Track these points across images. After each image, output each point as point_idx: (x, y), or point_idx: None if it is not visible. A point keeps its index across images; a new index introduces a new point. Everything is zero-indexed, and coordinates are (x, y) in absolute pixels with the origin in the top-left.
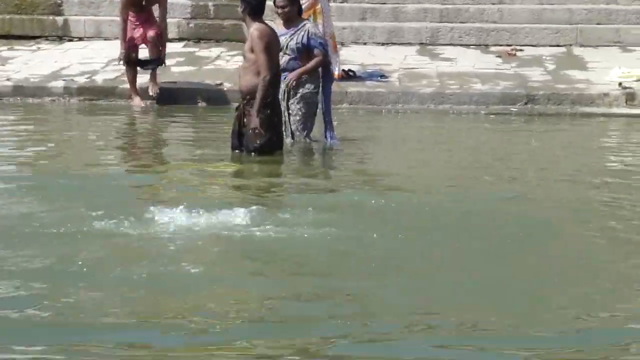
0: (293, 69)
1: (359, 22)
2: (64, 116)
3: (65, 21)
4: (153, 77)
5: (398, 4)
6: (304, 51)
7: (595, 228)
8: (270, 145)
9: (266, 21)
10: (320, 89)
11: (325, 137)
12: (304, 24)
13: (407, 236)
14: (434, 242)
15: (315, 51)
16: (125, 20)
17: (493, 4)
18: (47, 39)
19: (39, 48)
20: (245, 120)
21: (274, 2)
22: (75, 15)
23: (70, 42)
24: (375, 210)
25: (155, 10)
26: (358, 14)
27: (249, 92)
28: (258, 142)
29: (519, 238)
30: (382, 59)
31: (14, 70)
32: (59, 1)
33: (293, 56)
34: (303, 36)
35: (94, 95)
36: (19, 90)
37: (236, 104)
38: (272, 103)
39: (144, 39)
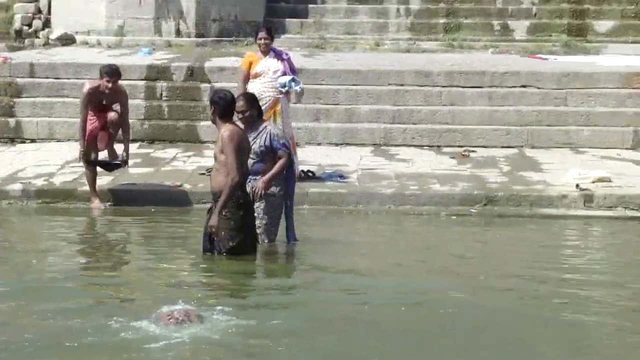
0: (257, 172)
1: (313, 122)
2: (22, 219)
3: (18, 123)
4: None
5: (351, 105)
6: (268, 153)
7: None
8: (242, 246)
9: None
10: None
11: (287, 237)
12: (265, 126)
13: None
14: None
15: (279, 152)
16: (84, 119)
17: (444, 105)
18: None
19: None
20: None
21: (235, 108)
22: (28, 116)
23: (23, 144)
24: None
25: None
26: (312, 114)
27: (220, 194)
28: (230, 243)
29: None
30: (339, 160)
31: None
32: (12, 102)
33: (257, 159)
34: (265, 139)
35: (52, 197)
36: None
37: (200, 205)
38: (245, 204)
39: (104, 124)
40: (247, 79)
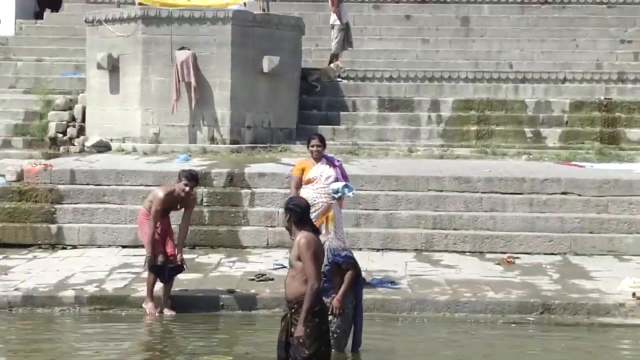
0: (328, 290)
1: (354, 227)
2: (76, 326)
3: (59, 229)
4: (167, 294)
5: (391, 210)
6: (333, 271)
7: None
8: (318, 355)
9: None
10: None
11: (354, 341)
12: (323, 242)
13: None
14: None
15: (344, 266)
16: (155, 225)
17: (485, 211)
18: (40, 247)
19: (34, 257)
20: (292, 330)
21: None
22: (69, 223)
23: (65, 250)
24: None
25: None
26: (352, 219)
27: (297, 301)
28: (306, 352)
29: None
30: (384, 265)
31: (19, 280)
32: (53, 209)
33: (324, 279)
34: (328, 256)
35: (105, 304)
36: (29, 300)
37: (254, 312)
38: (320, 312)
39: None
40: (299, 185)
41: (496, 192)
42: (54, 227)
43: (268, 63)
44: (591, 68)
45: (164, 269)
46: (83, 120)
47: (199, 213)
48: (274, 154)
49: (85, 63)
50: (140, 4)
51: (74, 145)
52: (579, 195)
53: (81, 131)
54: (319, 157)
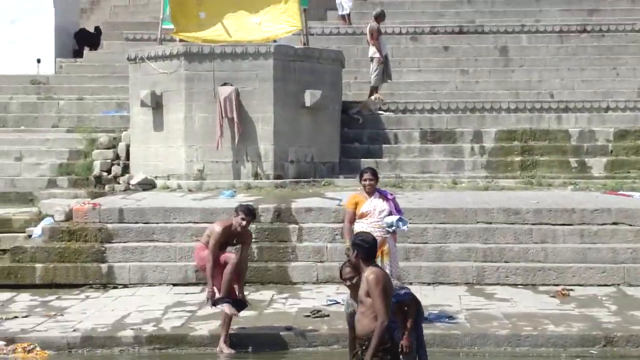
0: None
1: (404, 261)
2: None
3: (110, 268)
4: (225, 333)
5: (441, 243)
6: (395, 309)
7: None
8: None
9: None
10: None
11: None
12: None
13: None
14: None
15: (405, 302)
16: (215, 259)
17: (535, 243)
18: (91, 287)
19: (87, 297)
20: None
21: (340, 275)
22: (119, 262)
23: (116, 290)
24: None
25: None
26: (402, 253)
27: (367, 338)
28: None
29: None
30: (438, 299)
31: (76, 321)
32: (102, 248)
33: None
34: None
35: (164, 344)
36: (88, 341)
37: (313, 349)
38: (391, 348)
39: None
40: (353, 219)
41: (546, 224)
42: (104, 266)
43: (310, 97)
44: (632, 96)
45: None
46: (127, 158)
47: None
48: (317, 189)
49: (128, 100)
50: (181, 40)
51: (119, 183)
52: (630, 225)
53: (125, 169)
54: (371, 190)
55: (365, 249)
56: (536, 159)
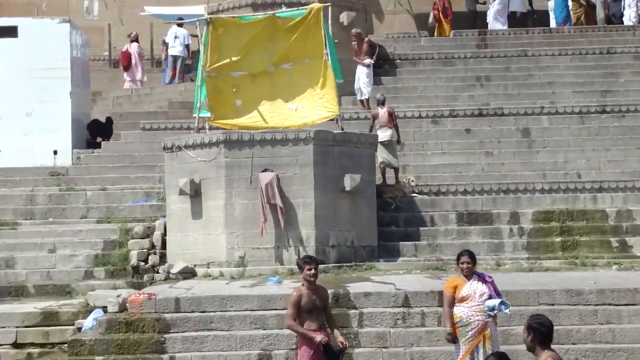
0: None
1: None
2: None
3: (171, 359)
4: None
5: (505, 326)
6: None
7: None
8: None
9: None
10: None
11: None
12: None
13: None
14: None
15: None
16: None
17: (601, 324)
18: None
19: None
20: None
21: None
22: (179, 352)
23: None
24: None
25: None
26: None
27: None
28: None
29: None
30: None
31: None
32: (162, 339)
33: None
34: None
35: None
36: None
37: None
38: None
39: None
40: (452, 303)
41: (609, 304)
42: (165, 357)
43: (350, 181)
44: None
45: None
46: (163, 247)
47: None
48: (360, 273)
49: (154, 190)
50: (217, 128)
51: (158, 272)
52: None
53: (162, 258)
54: (469, 273)
55: (543, 333)
56: (576, 239)
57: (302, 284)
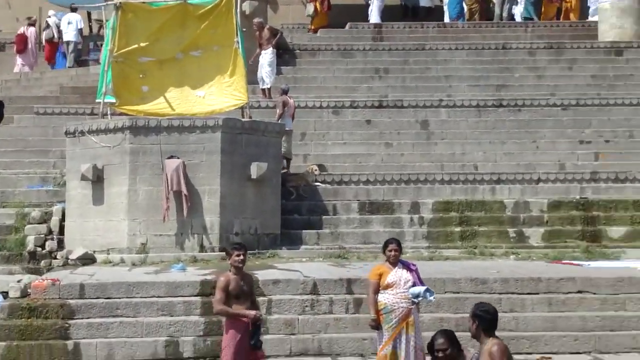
0: None
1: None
2: None
3: (76, 345)
4: None
5: None
6: None
7: None
8: None
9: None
10: None
11: None
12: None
13: None
14: None
15: None
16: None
17: (505, 312)
18: None
19: None
20: None
21: (430, 346)
22: (84, 338)
23: None
24: None
25: None
26: None
27: None
28: None
29: None
30: None
31: None
32: (66, 324)
33: None
34: None
35: None
36: None
37: None
38: None
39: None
40: (377, 290)
41: (513, 293)
42: (70, 343)
43: (257, 169)
44: (555, 169)
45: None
46: (60, 233)
47: (217, 323)
48: (264, 260)
49: (51, 175)
50: (122, 113)
51: (55, 258)
52: (594, 293)
53: (60, 244)
54: (396, 261)
55: (488, 320)
56: (475, 229)
57: (230, 270)
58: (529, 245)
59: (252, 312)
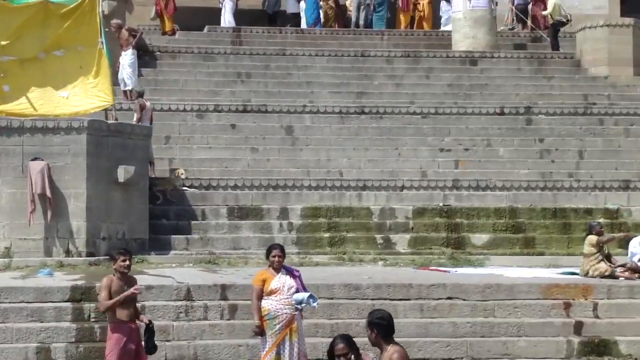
0: None
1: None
2: None
3: None
4: None
5: None
6: None
7: None
8: None
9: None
10: None
11: None
12: None
13: None
14: None
15: None
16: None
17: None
18: None
19: None
20: None
21: (331, 351)
22: None
23: None
24: None
25: None
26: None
27: None
28: None
29: None
30: None
31: None
32: None
33: None
34: None
35: None
36: None
37: None
38: None
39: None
40: (260, 296)
41: (385, 299)
42: None
43: (124, 173)
44: (417, 176)
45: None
46: None
47: (90, 330)
48: (133, 266)
49: None
50: None
51: None
52: (464, 300)
53: None
54: (279, 267)
55: (385, 327)
56: (343, 235)
57: (113, 274)
58: (396, 252)
59: (135, 288)
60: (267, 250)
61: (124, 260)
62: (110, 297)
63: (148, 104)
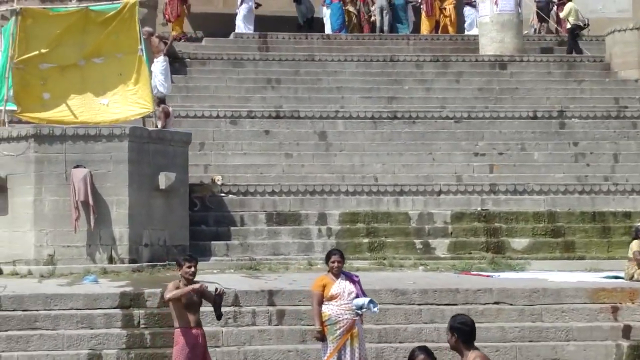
0: None
1: (302, 344)
2: None
3: None
4: None
5: None
6: None
7: None
8: None
9: None
10: None
11: None
12: None
13: None
14: None
15: None
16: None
17: (425, 323)
18: None
19: None
20: None
21: None
22: (3, 351)
23: None
24: None
25: None
26: (298, 336)
27: None
28: None
29: None
30: None
31: None
32: None
33: None
34: None
35: None
36: None
37: None
38: None
39: None
40: (321, 302)
41: (432, 304)
42: None
43: (165, 179)
44: (452, 180)
45: None
46: None
47: (140, 336)
48: (174, 272)
49: None
50: (25, 121)
51: None
52: (511, 304)
53: None
54: (339, 272)
55: (467, 332)
56: (382, 240)
57: (179, 281)
58: (435, 257)
59: (197, 285)
60: (327, 255)
61: (189, 267)
62: (178, 303)
63: (170, 109)
